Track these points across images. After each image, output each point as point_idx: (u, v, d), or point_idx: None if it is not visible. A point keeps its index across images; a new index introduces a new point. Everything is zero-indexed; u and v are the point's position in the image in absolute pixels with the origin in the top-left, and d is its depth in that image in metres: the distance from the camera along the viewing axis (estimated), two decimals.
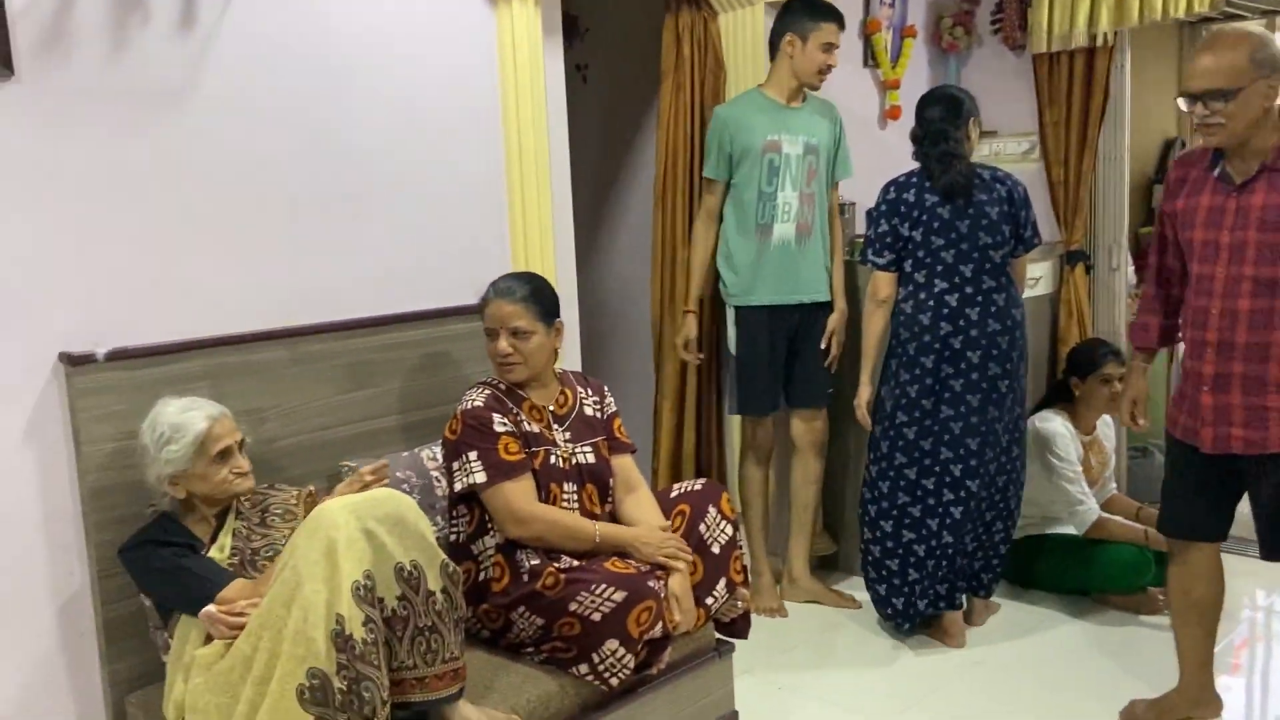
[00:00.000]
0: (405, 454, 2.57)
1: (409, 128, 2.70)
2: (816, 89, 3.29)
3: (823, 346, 3.36)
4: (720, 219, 3.33)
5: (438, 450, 2.57)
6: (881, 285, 3.14)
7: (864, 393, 3.19)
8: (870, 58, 4.01)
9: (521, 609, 2.24)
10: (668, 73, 3.44)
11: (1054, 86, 3.99)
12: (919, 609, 3.17)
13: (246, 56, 2.39)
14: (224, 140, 2.37)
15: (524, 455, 2.32)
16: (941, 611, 3.18)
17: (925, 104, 3.16)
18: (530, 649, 2.25)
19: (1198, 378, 2.39)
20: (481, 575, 2.32)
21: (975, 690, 2.91)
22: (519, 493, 2.27)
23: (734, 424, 3.60)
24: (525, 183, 2.91)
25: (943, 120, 3.07)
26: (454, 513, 2.39)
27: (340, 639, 1.74)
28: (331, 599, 1.76)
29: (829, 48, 3.17)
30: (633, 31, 3.94)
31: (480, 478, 2.27)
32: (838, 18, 3.21)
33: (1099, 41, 3.85)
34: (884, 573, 3.20)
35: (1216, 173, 2.34)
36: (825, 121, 3.33)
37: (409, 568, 1.88)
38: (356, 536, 1.82)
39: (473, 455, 2.28)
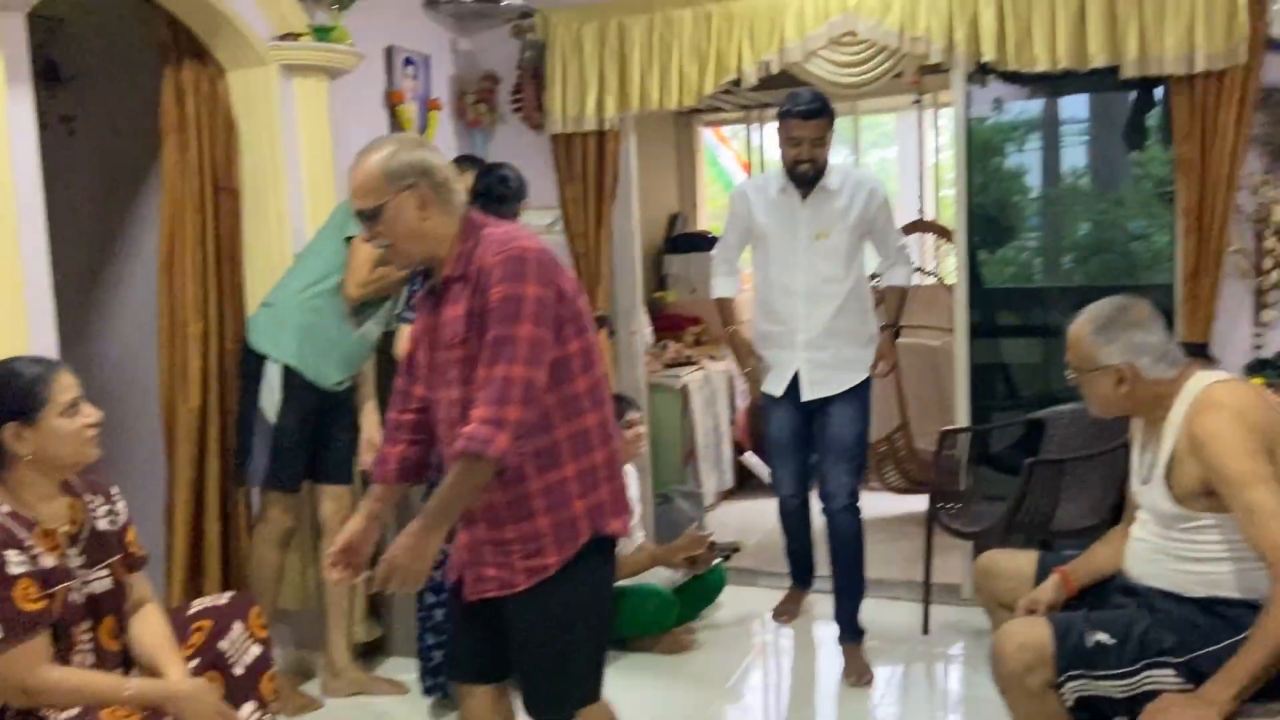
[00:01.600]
0: None
1: None
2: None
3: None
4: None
5: None
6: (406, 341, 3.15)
7: None
8: (396, 128, 3.99)
9: None
10: (169, 131, 3.14)
11: (571, 165, 4.23)
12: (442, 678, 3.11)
13: None
14: None
15: (45, 601, 1.95)
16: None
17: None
18: None
19: None
20: None
21: None
22: (31, 657, 1.92)
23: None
24: None
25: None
26: None
27: None
28: None
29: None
30: (129, 83, 3.56)
31: None
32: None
33: (607, 125, 4.17)
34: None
35: (427, 288, 2.13)
36: None
37: None
38: None
39: None
